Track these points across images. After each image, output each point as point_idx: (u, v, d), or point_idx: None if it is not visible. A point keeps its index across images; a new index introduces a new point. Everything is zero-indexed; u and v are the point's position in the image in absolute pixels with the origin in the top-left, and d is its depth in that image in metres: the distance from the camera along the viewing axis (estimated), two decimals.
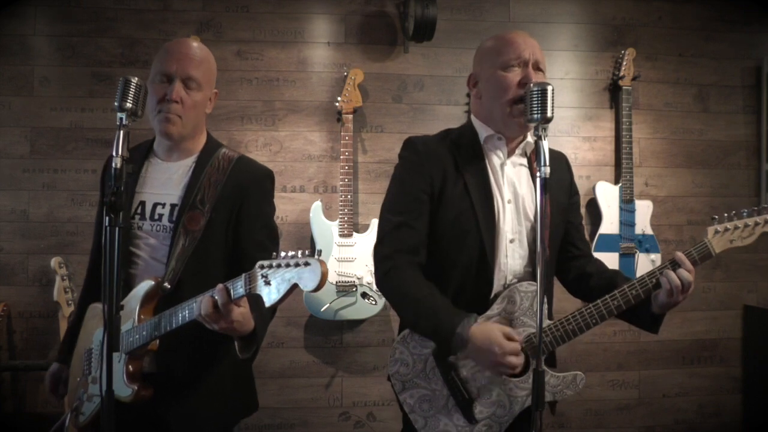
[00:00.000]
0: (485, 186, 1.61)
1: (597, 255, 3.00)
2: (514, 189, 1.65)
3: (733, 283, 3.33)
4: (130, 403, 1.52)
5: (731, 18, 3.35)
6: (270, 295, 1.29)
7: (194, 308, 1.43)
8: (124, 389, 1.52)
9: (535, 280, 1.61)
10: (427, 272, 1.61)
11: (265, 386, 3.04)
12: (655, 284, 1.55)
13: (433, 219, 1.62)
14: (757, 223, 1.58)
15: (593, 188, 3.16)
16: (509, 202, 1.64)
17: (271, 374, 3.06)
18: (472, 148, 1.65)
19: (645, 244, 3.09)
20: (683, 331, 3.29)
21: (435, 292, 1.56)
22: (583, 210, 3.22)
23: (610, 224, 3.11)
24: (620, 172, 3.14)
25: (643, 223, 3.11)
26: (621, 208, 3.11)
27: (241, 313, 1.41)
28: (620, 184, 3.13)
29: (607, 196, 3.13)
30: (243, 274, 1.35)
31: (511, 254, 1.62)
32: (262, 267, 1.31)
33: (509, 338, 1.50)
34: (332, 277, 2.91)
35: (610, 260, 3.06)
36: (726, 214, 1.60)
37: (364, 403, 3.12)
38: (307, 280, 1.24)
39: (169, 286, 1.57)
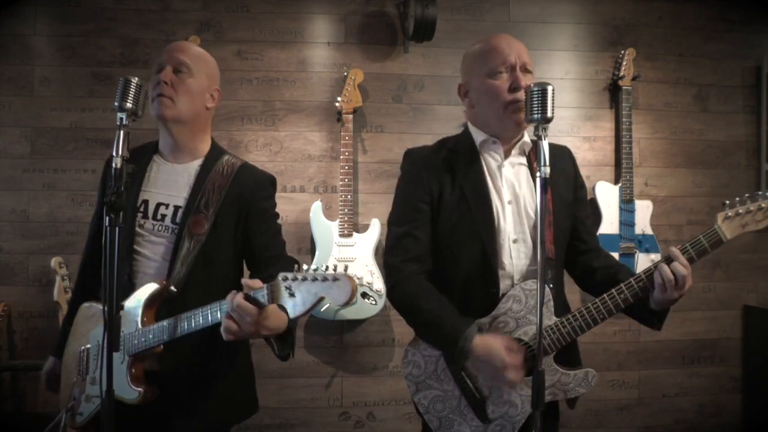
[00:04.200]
0: (482, 189, 1.63)
1: None
2: (514, 190, 1.65)
3: (733, 283, 3.33)
4: (137, 404, 1.52)
5: (731, 18, 3.35)
6: (295, 307, 1.32)
7: (218, 313, 1.44)
8: (129, 392, 1.53)
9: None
10: (433, 278, 1.64)
11: (265, 386, 3.01)
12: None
13: (434, 226, 1.65)
14: None
15: (593, 188, 3.15)
16: (509, 203, 1.64)
17: (271, 374, 3.05)
18: (468, 154, 1.67)
19: (645, 244, 3.09)
20: (683, 331, 3.29)
21: (441, 302, 1.58)
22: None
23: (609, 224, 3.11)
24: (620, 172, 3.14)
25: (643, 223, 3.11)
26: (621, 208, 3.11)
27: (277, 317, 1.42)
28: (620, 184, 3.13)
29: (607, 196, 3.13)
30: (264, 285, 1.36)
31: (516, 254, 1.63)
32: (285, 279, 1.32)
33: (511, 350, 1.51)
34: None
35: None
36: (738, 198, 1.52)
37: (364, 403, 3.12)
38: (337, 295, 1.28)
39: (175, 290, 1.58)
